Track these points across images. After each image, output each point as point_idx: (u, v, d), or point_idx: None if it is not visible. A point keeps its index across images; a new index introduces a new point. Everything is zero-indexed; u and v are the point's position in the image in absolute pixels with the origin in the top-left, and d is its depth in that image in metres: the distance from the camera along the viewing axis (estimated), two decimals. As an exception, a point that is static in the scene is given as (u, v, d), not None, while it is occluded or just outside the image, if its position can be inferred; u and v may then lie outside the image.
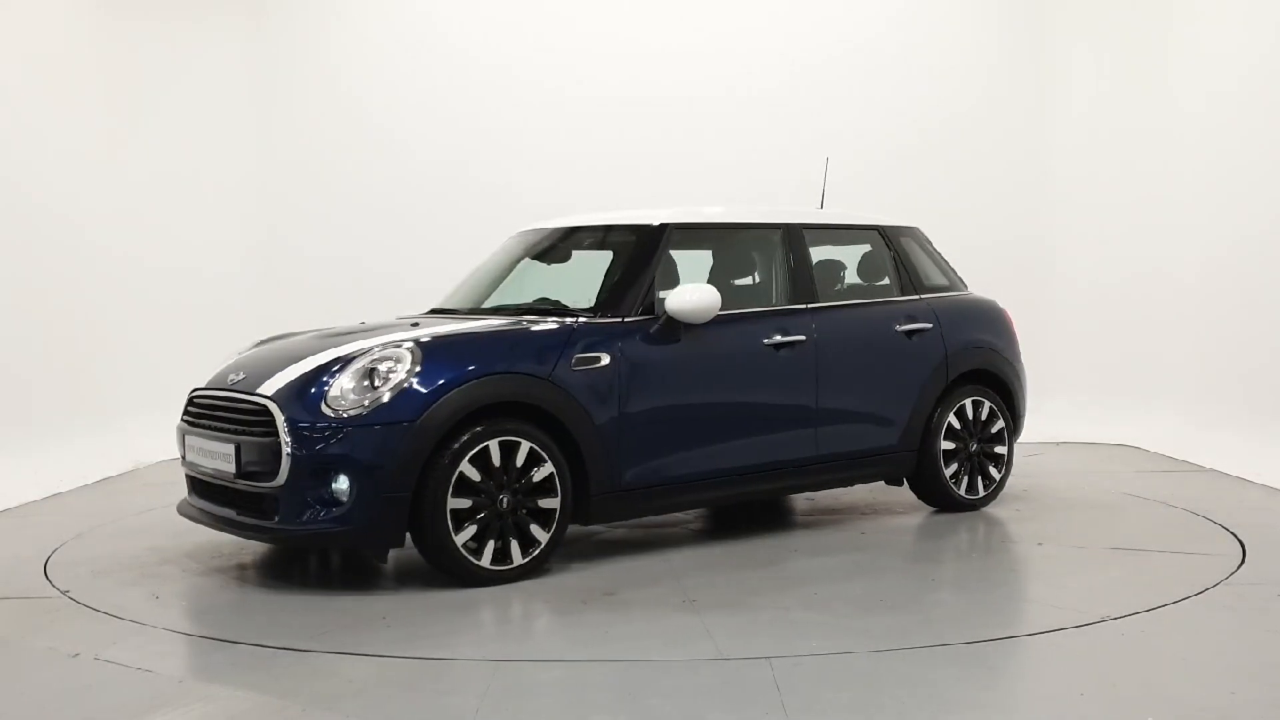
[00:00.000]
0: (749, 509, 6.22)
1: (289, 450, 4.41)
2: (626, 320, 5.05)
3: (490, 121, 9.17)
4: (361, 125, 9.28)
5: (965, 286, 6.39)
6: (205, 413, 4.96)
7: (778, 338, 5.39)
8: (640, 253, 5.28)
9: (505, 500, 4.59)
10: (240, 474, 4.61)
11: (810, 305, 5.59)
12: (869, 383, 5.71)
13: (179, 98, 8.95)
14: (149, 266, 8.72)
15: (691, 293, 5.01)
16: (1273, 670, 3.61)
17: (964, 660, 3.69)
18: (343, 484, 4.40)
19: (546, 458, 4.67)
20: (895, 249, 6.08)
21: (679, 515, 6.02)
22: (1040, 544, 5.34)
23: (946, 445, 5.93)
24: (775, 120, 9.11)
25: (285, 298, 9.04)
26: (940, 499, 6.02)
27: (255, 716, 3.28)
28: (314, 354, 4.76)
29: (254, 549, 5.34)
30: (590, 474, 4.84)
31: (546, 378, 4.72)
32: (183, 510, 5.13)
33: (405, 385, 4.47)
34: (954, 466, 5.98)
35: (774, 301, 5.62)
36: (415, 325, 5.10)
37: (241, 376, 4.85)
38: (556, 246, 5.78)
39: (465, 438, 4.50)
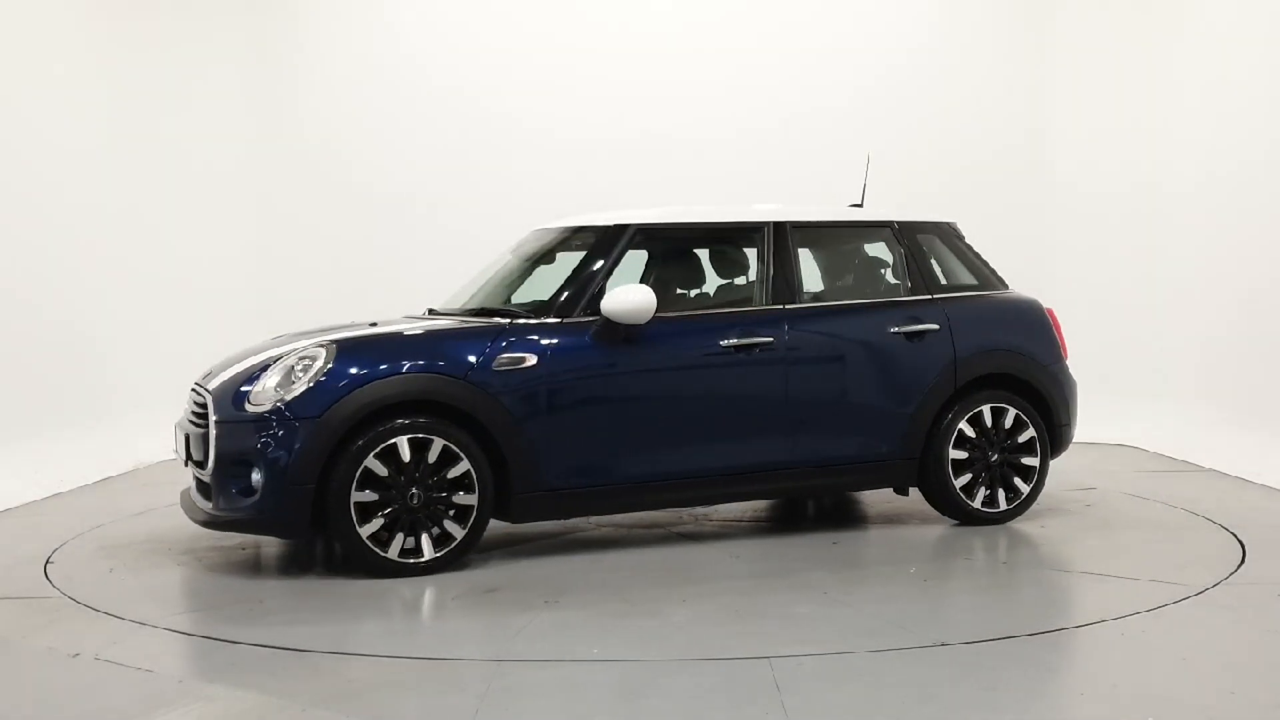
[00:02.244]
0: (794, 506, 6.25)
1: (214, 441, 4.77)
2: (566, 321, 5.09)
3: (502, 120, 9.17)
4: (362, 126, 9.27)
5: (1002, 285, 6.02)
6: (190, 404, 5.28)
7: (738, 340, 5.27)
8: (597, 253, 5.31)
9: (416, 495, 4.72)
10: (187, 461, 5.03)
11: (787, 306, 5.42)
12: (854, 386, 5.48)
13: (180, 98, 8.95)
14: (149, 267, 8.72)
15: (625, 294, 5.01)
16: (1273, 670, 3.61)
17: (964, 660, 3.69)
18: (257, 475, 4.67)
19: (462, 455, 4.77)
20: (909, 246, 5.81)
21: (664, 516, 6.03)
22: (1004, 562, 5.13)
23: (957, 454, 5.59)
24: (774, 118, 9.13)
25: (286, 298, 9.05)
26: (954, 511, 5.67)
27: (255, 716, 3.28)
28: (264, 352, 5.08)
29: (254, 548, 5.34)
30: (512, 473, 4.90)
31: (462, 377, 4.82)
32: (181, 499, 5.30)
33: (314, 383, 4.70)
34: (967, 477, 5.62)
35: (754, 302, 5.46)
36: (373, 325, 5.27)
37: (209, 371, 5.19)
38: (555, 247, 5.76)
39: (372, 434, 4.67)
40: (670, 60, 9.20)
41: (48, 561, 5.19)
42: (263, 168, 9.26)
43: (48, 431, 7.33)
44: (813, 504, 6.39)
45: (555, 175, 9.01)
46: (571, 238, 5.60)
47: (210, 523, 4.86)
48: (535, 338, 5.01)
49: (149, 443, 7.95)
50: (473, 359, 4.87)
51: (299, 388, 4.70)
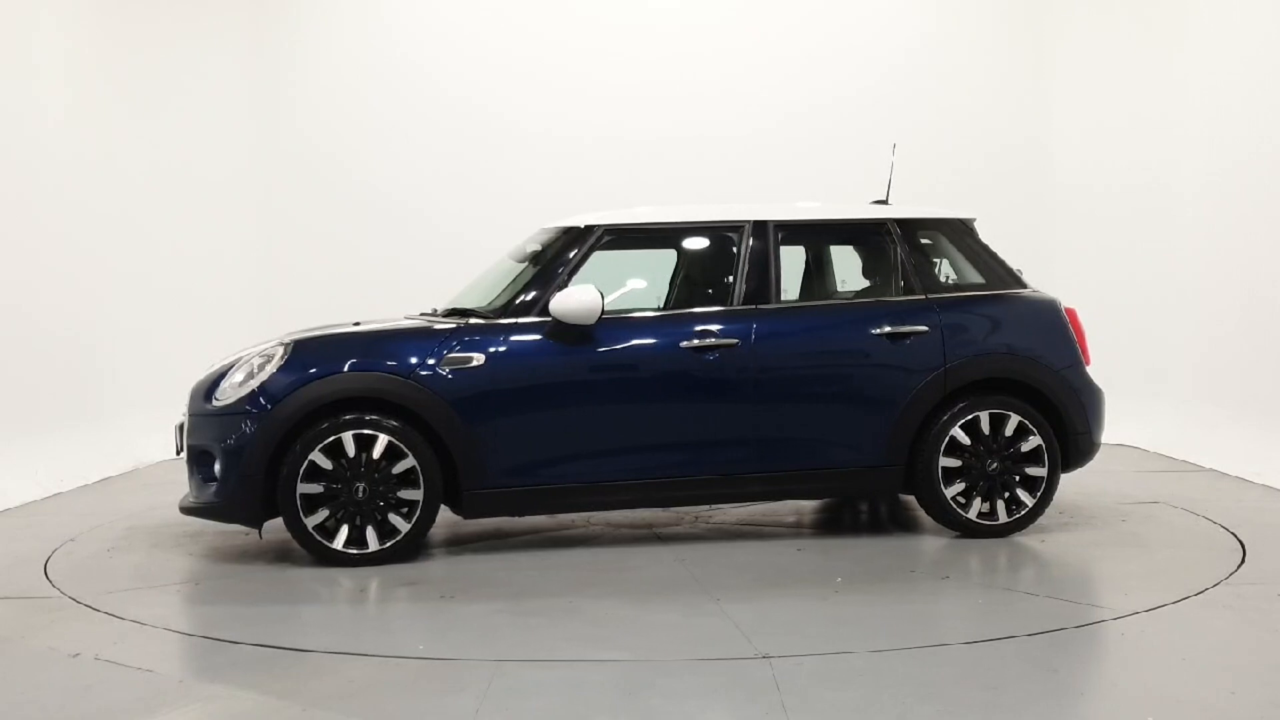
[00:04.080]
0: (839, 509, 6.23)
1: (185, 433, 5.18)
2: (520, 322, 5.15)
3: (503, 121, 9.18)
4: (363, 129, 9.27)
5: (1017, 285, 5.69)
6: None
7: (698, 341, 5.18)
8: (561, 254, 5.34)
9: (362, 489, 4.91)
10: (178, 452, 5.35)
11: (759, 306, 5.30)
12: (827, 390, 5.31)
13: (180, 97, 8.95)
14: (149, 267, 8.72)
15: (571, 295, 5.05)
16: (1273, 670, 3.61)
17: (964, 660, 3.69)
18: (217, 465, 5.00)
19: (407, 451, 4.93)
20: (908, 244, 5.56)
21: (663, 516, 6.02)
22: (945, 577, 4.84)
23: (948, 462, 5.34)
24: (776, 118, 9.13)
25: (287, 299, 9.04)
26: (949, 521, 5.40)
27: (255, 716, 3.28)
28: (244, 350, 5.35)
29: (253, 549, 5.35)
30: (459, 470, 5.03)
31: (407, 376, 4.97)
32: None
33: (268, 380, 4.96)
34: (960, 486, 5.36)
35: (729, 303, 5.33)
36: (356, 324, 5.48)
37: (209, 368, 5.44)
38: (544, 247, 5.64)
39: (318, 429, 4.90)
40: (671, 60, 9.20)
41: (48, 561, 5.19)
42: (264, 169, 9.26)
43: (48, 431, 7.33)
44: (867, 508, 6.23)
45: (557, 176, 9.02)
46: (559, 238, 5.54)
47: (185, 510, 5.17)
48: (485, 338, 5.10)
49: (149, 443, 7.96)
50: (419, 358, 5.02)
51: (253, 383, 4.97)
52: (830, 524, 5.98)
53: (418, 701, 3.39)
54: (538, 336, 5.12)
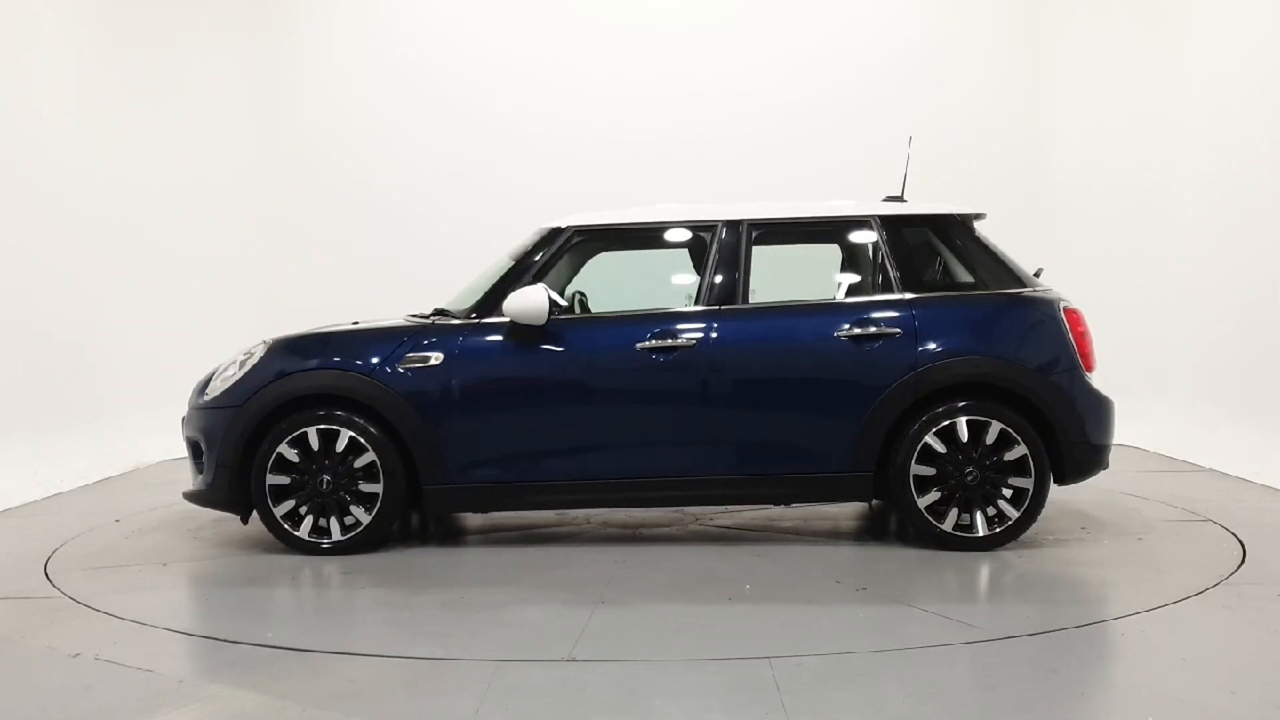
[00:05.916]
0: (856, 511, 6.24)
1: (182, 427, 5.48)
2: (483, 322, 5.23)
3: (503, 122, 9.19)
4: (363, 130, 9.28)
5: (1015, 284, 5.35)
6: None
7: (654, 342, 5.13)
8: (533, 254, 5.38)
9: (325, 481, 5.15)
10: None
11: (723, 307, 5.22)
12: (788, 393, 5.14)
13: (181, 98, 8.95)
14: (149, 268, 8.72)
15: (520, 296, 5.12)
16: (1273, 670, 3.61)
17: (964, 660, 3.69)
18: (205, 456, 5.27)
19: (368, 446, 5.12)
20: (892, 242, 5.34)
21: (661, 515, 6.02)
22: (865, 589, 4.78)
23: (922, 470, 5.11)
24: (775, 117, 9.13)
25: (286, 299, 9.05)
26: (923, 533, 5.17)
27: (255, 716, 3.28)
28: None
29: (253, 549, 5.35)
30: (419, 466, 5.16)
31: (369, 374, 5.15)
32: None
33: (245, 376, 5.24)
34: (934, 495, 5.11)
35: (696, 304, 5.25)
36: (355, 323, 5.63)
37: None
38: (529, 247, 5.59)
39: (284, 423, 5.15)
40: (671, 60, 9.21)
41: (48, 561, 5.19)
42: (263, 170, 9.27)
43: (48, 431, 7.33)
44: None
45: (557, 176, 9.02)
46: (536, 239, 5.52)
47: (185, 496, 5.46)
48: (445, 337, 5.21)
49: (149, 443, 7.96)
50: (380, 358, 5.19)
51: (234, 379, 5.24)
52: (836, 530, 5.95)
53: (418, 701, 3.39)
54: (497, 337, 5.20)
